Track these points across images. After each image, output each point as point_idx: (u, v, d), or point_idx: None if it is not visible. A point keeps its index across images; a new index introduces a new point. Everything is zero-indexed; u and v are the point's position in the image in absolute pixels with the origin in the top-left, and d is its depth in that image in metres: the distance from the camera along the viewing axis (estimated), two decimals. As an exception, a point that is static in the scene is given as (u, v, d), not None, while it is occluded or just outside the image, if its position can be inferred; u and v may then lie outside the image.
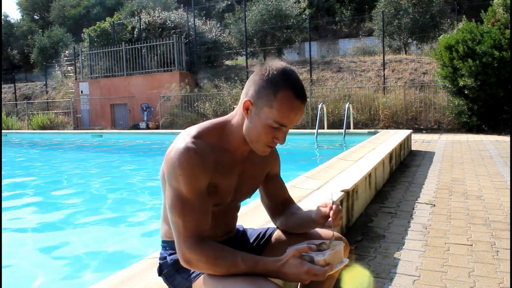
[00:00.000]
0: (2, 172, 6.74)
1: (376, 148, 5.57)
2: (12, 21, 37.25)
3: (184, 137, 1.26)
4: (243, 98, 1.27)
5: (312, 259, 1.15)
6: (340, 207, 1.32)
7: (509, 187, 4.46)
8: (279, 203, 1.53)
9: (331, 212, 1.29)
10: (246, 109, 1.25)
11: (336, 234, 1.45)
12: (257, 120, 1.23)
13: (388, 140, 6.43)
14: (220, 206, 1.36)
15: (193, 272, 1.29)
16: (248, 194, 1.47)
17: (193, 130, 1.30)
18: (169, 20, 18.30)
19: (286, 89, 1.20)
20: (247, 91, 1.26)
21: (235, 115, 1.32)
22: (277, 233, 1.52)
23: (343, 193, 2.93)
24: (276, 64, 1.25)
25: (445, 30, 15.90)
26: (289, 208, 1.52)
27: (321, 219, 1.32)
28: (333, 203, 1.32)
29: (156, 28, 18.20)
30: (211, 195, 1.28)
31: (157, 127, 15.44)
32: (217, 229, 1.41)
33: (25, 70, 30.91)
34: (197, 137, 1.27)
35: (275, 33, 18.39)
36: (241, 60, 20.08)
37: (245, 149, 1.35)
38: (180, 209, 1.20)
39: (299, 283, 1.51)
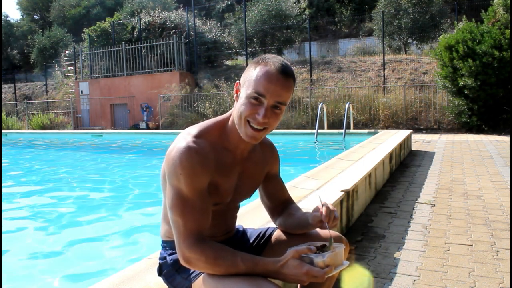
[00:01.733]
0: (2, 172, 6.74)
1: (376, 148, 5.57)
2: (12, 21, 37.25)
3: (185, 137, 1.27)
4: None
5: (311, 261, 1.15)
6: (332, 207, 1.31)
7: (509, 187, 4.46)
8: (279, 203, 1.54)
9: (323, 216, 1.29)
10: (237, 92, 1.29)
11: (335, 233, 1.45)
12: (241, 98, 1.25)
13: (388, 140, 6.43)
14: (220, 205, 1.36)
15: (193, 272, 1.29)
16: (248, 194, 1.47)
17: (194, 129, 1.30)
18: (169, 20, 18.30)
19: (268, 62, 1.24)
20: None
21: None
22: (277, 233, 1.52)
23: (343, 193, 2.93)
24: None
25: (445, 30, 15.89)
26: (288, 208, 1.52)
27: (317, 223, 1.32)
28: (322, 205, 1.31)
29: (156, 28, 18.20)
30: (211, 195, 1.28)
31: (157, 127, 15.44)
32: (217, 228, 1.41)
33: (25, 70, 30.91)
34: (198, 136, 1.27)
35: (275, 33, 18.39)
36: (241, 60, 20.08)
37: (244, 147, 1.36)
38: (181, 208, 1.20)
39: (299, 284, 1.51)
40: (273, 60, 1.24)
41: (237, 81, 1.31)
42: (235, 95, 1.29)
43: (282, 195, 1.55)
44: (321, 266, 1.14)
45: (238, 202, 1.49)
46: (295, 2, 19.15)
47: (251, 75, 1.24)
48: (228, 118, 1.34)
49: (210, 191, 1.27)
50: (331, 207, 1.31)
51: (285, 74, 1.23)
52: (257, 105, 1.22)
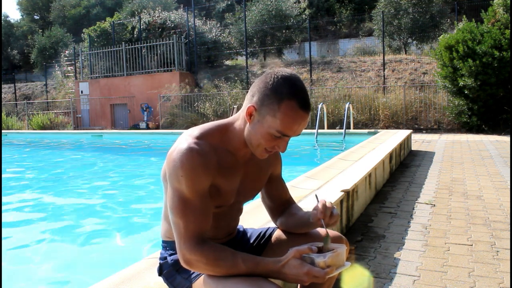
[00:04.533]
0: (2, 173, 6.74)
1: (376, 148, 5.57)
2: (12, 21, 37.30)
3: (186, 138, 1.26)
4: (246, 103, 1.26)
5: (312, 261, 1.15)
6: (329, 203, 1.31)
7: (509, 187, 4.46)
8: (281, 204, 1.54)
9: (319, 212, 1.29)
10: (249, 114, 1.23)
11: (335, 233, 1.45)
12: (259, 127, 1.22)
13: (388, 140, 6.43)
14: (223, 208, 1.35)
15: (193, 272, 1.29)
16: (251, 196, 1.47)
17: (195, 131, 1.29)
18: (169, 20, 18.31)
19: (290, 99, 1.18)
20: (251, 96, 1.24)
21: (238, 118, 1.32)
22: (277, 233, 1.53)
23: (343, 193, 2.93)
24: (281, 71, 1.22)
25: (445, 30, 15.90)
26: (289, 208, 1.52)
27: (317, 221, 1.32)
28: (317, 202, 1.31)
29: (156, 28, 18.20)
30: (214, 197, 1.28)
31: (157, 127, 15.44)
32: (220, 230, 1.41)
33: (25, 70, 30.94)
34: (200, 138, 1.26)
35: (275, 33, 18.39)
36: (241, 60, 20.08)
37: (247, 151, 1.35)
38: (182, 210, 1.20)
39: (299, 284, 1.51)
40: (298, 94, 1.18)
41: (250, 105, 1.23)
42: (247, 117, 1.24)
43: (284, 196, 1.54)
44: (322, 267, 1.14)
45: (241, 204, 1.49)
46: (295, 2, 19.16)
47: (274, 109, 1.18)
48: (232, 123, 1.32)
49: (212, 193, 1.26)
50: (328, 203, 1.30)
51: (308, 109, 1.20)
52: (278, 138, 1.22)
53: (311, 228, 1.41)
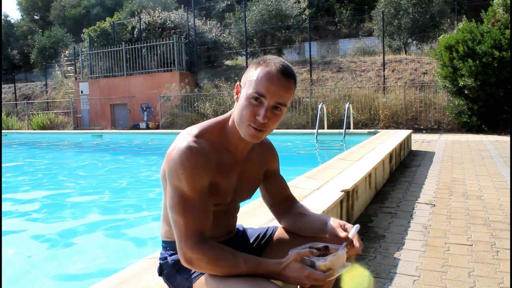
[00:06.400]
0: (2, 173, 6.74)
1: (376, 148, 5.57)
2: (12, 21, 37.29)
3: (185, 137, 1.27)
4: None
5: (313, 264, 1.14)
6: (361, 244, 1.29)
7: (509, 187, 4.46)
8: (281, 201, 1.53)
9: (352, 248, 1.26)
10: (237, 93, 1.29)
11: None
12: (242, 98, 1.26)
13: (388, 140, 6.43)
14: (221, 206, 1.36)
15: (193, 272, 1.29)
16: (249, 194, 1.47)
17: (194, 129, 1.30)
18: (169, 20, 18.31)
19: (268, 62, 1.25)
20: None
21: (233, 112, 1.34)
22: (279, 234, 1.52)
23: (343, 193, 2.93)
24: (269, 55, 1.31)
25: (445, 30, 15.89)
26: (294, 207, 1.51)
27: (334, 237, 1.30)
28: (353, 234, 1.28)
29: (156, 28, 18.20)
30: (212, 195, 1.28)
31: (157, 127, 15.44)
32: (219, 229, 1.41)
33: (25, 70, 30.93)
34: (199, 136, 1.27)
35: (275, 33, 18.38)
36: (241, 60, 20.08)
37: (244, 147, 1.36)
38: (182, 208, 1.20)
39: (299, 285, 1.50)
40: (274, 61, 1.25)
41: (238, 83, 1.31)
42: (235, 96, 1.30)
43: (284, 192, 1.53)
44: (323, 270, 1.14)
45: (239, 203, 1.49)
46: (295, 2, 19.15)
47: (252, 75, 1.25)
48: (228, 118, 1.34)
49: (210, 192, 1.27)
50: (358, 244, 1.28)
51: (286, 75, 1.23)
52: (257, 105, 1.22)
53: (320, 234, 1.38)
